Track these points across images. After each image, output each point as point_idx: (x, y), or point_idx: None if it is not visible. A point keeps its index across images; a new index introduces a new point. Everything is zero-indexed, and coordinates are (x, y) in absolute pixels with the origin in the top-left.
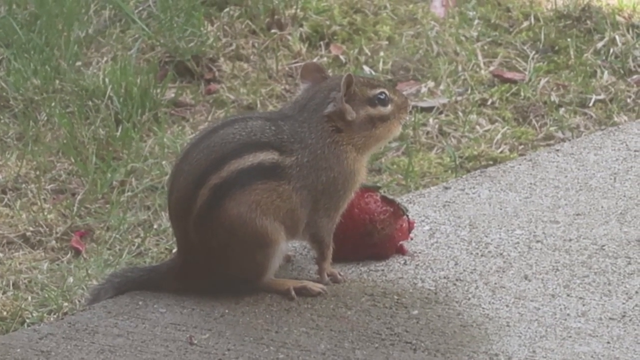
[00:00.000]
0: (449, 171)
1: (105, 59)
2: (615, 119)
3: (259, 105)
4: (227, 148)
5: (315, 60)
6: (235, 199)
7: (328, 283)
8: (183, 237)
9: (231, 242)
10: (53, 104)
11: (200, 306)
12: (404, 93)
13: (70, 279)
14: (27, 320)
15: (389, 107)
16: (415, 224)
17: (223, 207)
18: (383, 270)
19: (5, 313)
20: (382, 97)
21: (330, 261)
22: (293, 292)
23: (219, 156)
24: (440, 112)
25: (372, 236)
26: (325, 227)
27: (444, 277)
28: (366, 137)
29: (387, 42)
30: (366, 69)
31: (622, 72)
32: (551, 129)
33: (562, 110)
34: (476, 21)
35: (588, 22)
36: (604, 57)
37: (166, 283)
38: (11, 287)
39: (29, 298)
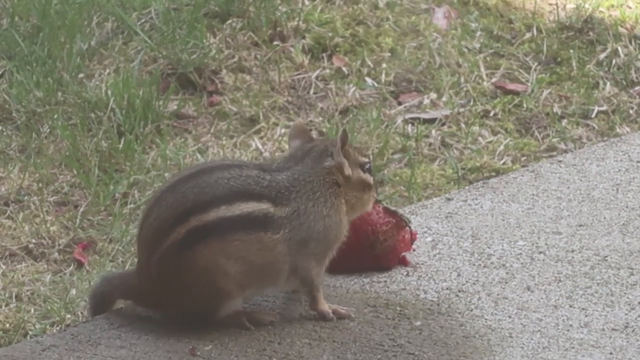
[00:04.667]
0: (452, 183)
1: (107, 71)
2: (618, 130)
3: (261, 117)
4: (218, 192)
5: (317, 72)
6: (208, 247)
7: (333, 319)
8: (144, 263)
9: (189, 286)
10: (55, 116)
11: (202, 317)
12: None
13: (73, 291)
14: (30, 332)
15: (372, 179)
16: (417, 235)
17: (193, 252)
18: (386, 281)
19: (8, 325)
20: (369, 166)
21: (323, 301)
22: (247, 323)
23: (207, 199)
24: (443, 124)
25: (374, 247)
26: (315, 270)
27: (447, 288)
28: (357, 198)
29: (389, 54)
30: (369, 80)
31: (624, 83)
32: (553, 140)
33: (564, 122)
34: (478, 33)
35: (590, 33)
36: (606, 69)
37: (118, 295)
38: (14, 299)
39: (32, 310)
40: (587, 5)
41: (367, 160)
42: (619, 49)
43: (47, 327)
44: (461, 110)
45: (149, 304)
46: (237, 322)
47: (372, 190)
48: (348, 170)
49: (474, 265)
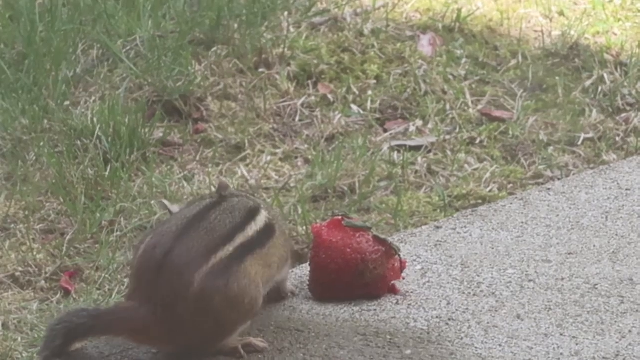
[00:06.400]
0: (438, 210)
1: (93, 98)
2: (605, 157)
3: (247, 145)
4: (242, 213)
5: (302, 100)
6: (253, 259)
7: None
8: (171, 290)
9: (235, 302)
10: (42, 143)
11: (199, 351)
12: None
13: None
14: None
15: None
16: (407, 264)
17: (243, 264)
18: (375, 309)
19: None
20: None
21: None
22: (242, 351)
23: (241, 218)
24: (429, 151)
25: (364, 276)
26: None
27: (437, 317)
28: None
29: (375, 81)
30: (354, 107)
31: (610, 110)
32: (540, 167)
33: (550, 149)
34: (464, 60)
35: (576, 60)
36: (592, 96)
37: (114, 330)
38: (1, 328)
39: (19, 339)
40: (572, 32)
41: None
42: (605, 75)
43: (35, 355)
44: (447, 137)
45: (152, 339)
46: (234, 350)
47: None
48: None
49: (464, 293)
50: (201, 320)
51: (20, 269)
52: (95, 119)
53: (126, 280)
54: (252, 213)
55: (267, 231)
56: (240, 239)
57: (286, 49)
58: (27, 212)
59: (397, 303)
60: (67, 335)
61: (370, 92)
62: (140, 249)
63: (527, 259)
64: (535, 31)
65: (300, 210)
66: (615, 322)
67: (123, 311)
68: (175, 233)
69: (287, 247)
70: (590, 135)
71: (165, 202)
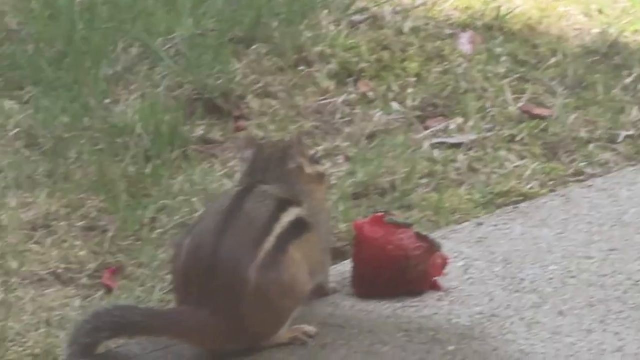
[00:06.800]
0: (479, 207)
1: (133, 96)
2: None
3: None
4: (272, 206)
5: (343, 97)
6: (295, 247)
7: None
8: (228, 291)
9: (289, 289)
10: (82, 141)
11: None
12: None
13: None
14: (60, 358)
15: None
16: (449, 260)
17: (289, 252)
18: (418, 306)
19: (38, 350)
20: (317, 157)
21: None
22: (303, 337)
23: (272, 208)
24: (470, 148)
25: (406, 272)
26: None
27: (479, 313)
28: (320, 190)
29: (415, 79)
30: (395, 105)
31: None
32: (581, 165)
33: (591, 146)
34: (504, 58)
35: (616, 58)
36: (632, 93)
37: (171, 333)
38: (43, 325)
39: (62, 335)
40: (612, 30)
41: (312, 151)
42: None
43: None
44: (487, 135)
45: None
46: (292, 340)
47: (326, 179)
48: (309, 168)
49: (506, 290)
50: (261, 314)
51: (62, 266)
52: (136, 117)
53: (167, 277)
54: (283, 202)
55: (301, 221)
56: (278, 229)
57: (326, 47)
58: (68, 210)
59: (439, 299)
60: (115, 329)
61: (410, 90)
62: (183, 252)
63: (569, 256)
64: (575, 29)
65: (341, 208)
66: None
67: (179, 315)
68: (215, 230)
69: (325, 239)
70: (631, 132)
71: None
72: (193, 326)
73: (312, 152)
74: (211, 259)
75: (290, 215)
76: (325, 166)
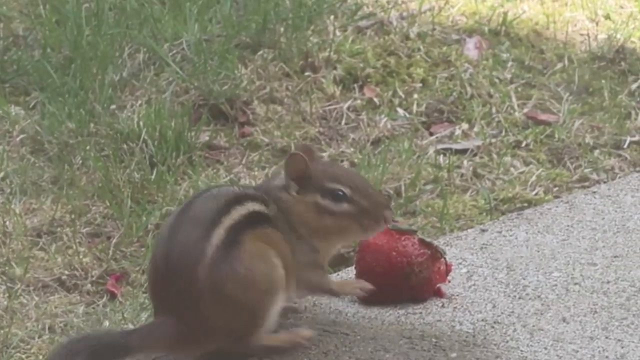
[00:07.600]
0: (484, 213)
1: (139, 102)
2: None
3: (293, 148)
4: (222, 200)
5: (348, 103)
6: (250, 238)
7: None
8: (183, 294)
9: (247, 282)
10: (88, 147)
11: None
12: (437, 136)
13: (106, 323)
14: None
15: (344, 206)
16: (452, 267)
17: (242, 244)
18: (421, 312)
19: (41, 357)
20: (338, 193)
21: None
22: (302, 341)
23: (222, 202)
24: (475, 154)
25: (409, 279)
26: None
27: (482, 320)
28: (314, 221)
29: (420, 84)
30: (400, 111)
31: None
32: (586, 170)
33: (596, 152)
34: (510, 63)
35: (622, 63)
36: (638, 99)
37: (150, 348)
38: (47, 331)
39: None
40: (618, 36)
41: (335, 186)
42: None
43: None
44: (493, 140)
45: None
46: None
47: (339, 218)
48: (293, 191)
49: (509, 296)
50: (225, 311)
51: (66, 272)
52: (141, 123)
53: None
54: (239, 197)
55: (258, 214)
56: (227, 222)
57: (332, 53)
58: (73, 216)
59: (442, 306)
60: (92, 354)
61: (416, 96)
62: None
63: (573, 262)
64: (581, 34)
65: None
66: None
67: (151, 328)
68: (166, 235)
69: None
70: (637, 138)
71: None
72: (165, 336)
73: (335, 186)
74: (164, 265)
75: (244, 209)
76: (342, 208)
